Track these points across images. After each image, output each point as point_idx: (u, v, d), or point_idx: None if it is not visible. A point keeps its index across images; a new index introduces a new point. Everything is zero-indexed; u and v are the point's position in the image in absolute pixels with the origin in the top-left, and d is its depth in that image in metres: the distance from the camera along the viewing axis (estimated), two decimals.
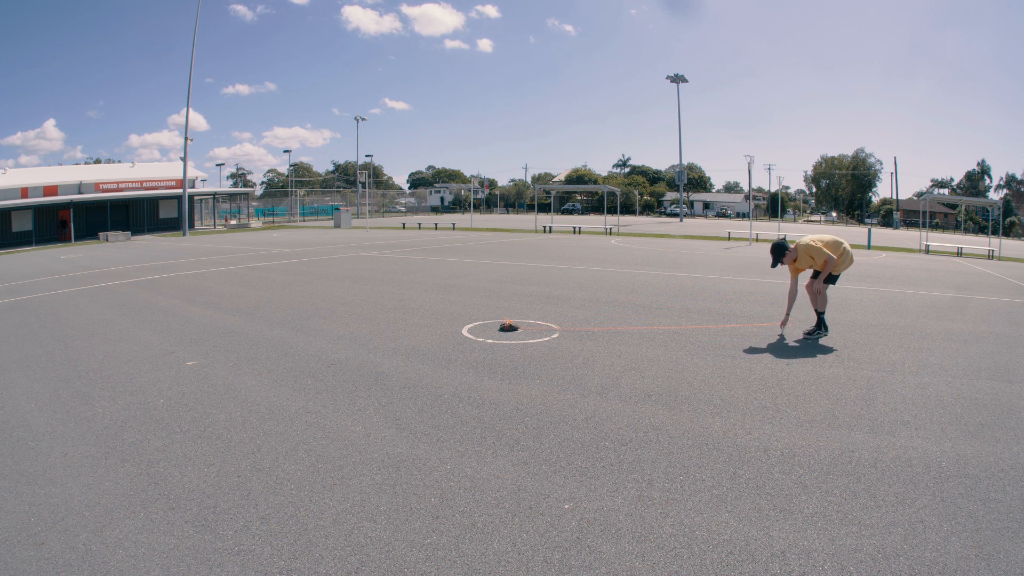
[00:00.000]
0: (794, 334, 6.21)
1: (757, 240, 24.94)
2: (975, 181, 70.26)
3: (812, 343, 5.89)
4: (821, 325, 6.01)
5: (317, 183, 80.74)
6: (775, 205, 58.55)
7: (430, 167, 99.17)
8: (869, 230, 26.17)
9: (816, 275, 5.96)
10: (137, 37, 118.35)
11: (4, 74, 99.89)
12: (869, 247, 22.11)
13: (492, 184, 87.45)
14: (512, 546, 2.43)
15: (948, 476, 3.02)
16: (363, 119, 69.39)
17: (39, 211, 32.59)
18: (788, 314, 6.14)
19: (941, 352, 5.64)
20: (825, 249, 5.84)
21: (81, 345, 6.17)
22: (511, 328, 6.38)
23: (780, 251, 5.98)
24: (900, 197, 67.82)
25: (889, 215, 64.43)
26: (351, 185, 72.82)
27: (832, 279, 6.01)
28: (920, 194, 67.21)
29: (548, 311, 7.55)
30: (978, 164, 70.85)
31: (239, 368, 5.14)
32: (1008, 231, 52.59)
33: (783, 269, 6.33)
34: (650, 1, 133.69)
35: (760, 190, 70.66)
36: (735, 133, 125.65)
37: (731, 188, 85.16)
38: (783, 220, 49.75)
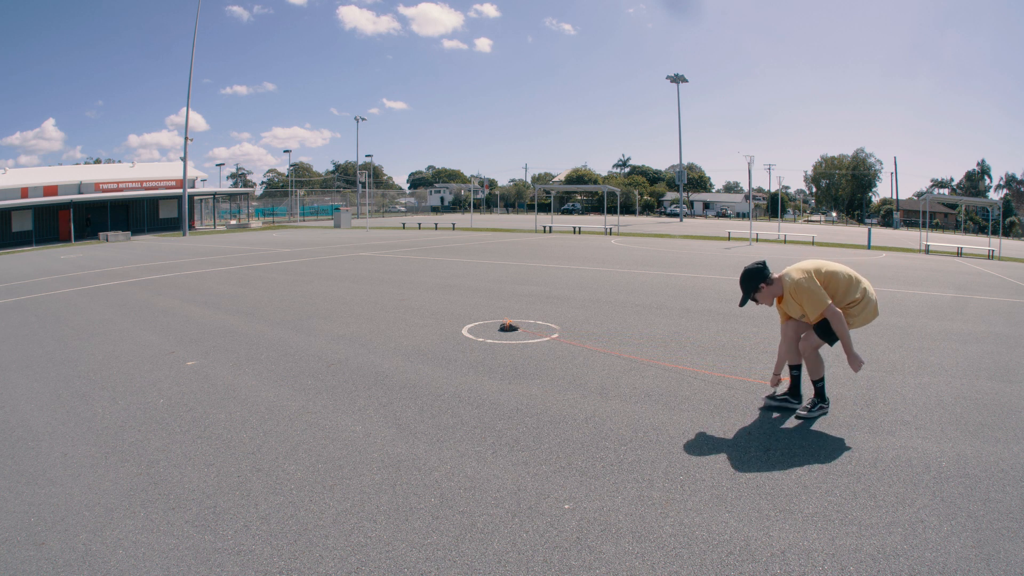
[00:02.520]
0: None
1: (757, 240, 24.95)
2: (975, 181, 70.28)
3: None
4: (821, 395, 3.87)
5: (317, 183, 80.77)
6: (775, 205, 58.54)
7: (430, 167, 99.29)
8: (869, 230, 26.18)
9: (818, 329, 3.68)
10: (136, 37, 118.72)
11: (4, 74, 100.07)
12: (869, 247, 22.11)
13: (492, 184, 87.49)
14: (512, 546, 2.43)
15: (948, 476, 3.02)
16: (363, 119, 69.53)
17: (39, 211, 32.57)
18: (778, 372, 4.00)
19: (941, 352, 5.64)
20: (819, 294, 3.55)
21: (81, 345, 6.17)
22: (511, 328, 6.38)
23: (751, 282, 3.76)
24: (900, 197, 67.93)
25: (889, 215, 64.44)
26: (351, 185, 72.84)
27: (830, 336, 3.64)
28: (920, 194, 67.26)
29: (548, 311, 7.55)
30: (978, 164, 70.94)
31: (239, 368, 5.14)
32: (1008, 231, 52.58)
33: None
34: (648, 0, 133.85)
35: (760, 190, 70.71)
36: (735, 133, 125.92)
37: (731, 188, 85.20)
38: (783, 220, 49.76)
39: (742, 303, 3.90)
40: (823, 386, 3.87)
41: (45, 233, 32.32)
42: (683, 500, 2.79)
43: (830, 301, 3.58)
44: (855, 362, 3.60)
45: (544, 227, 31.19)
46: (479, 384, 4.57)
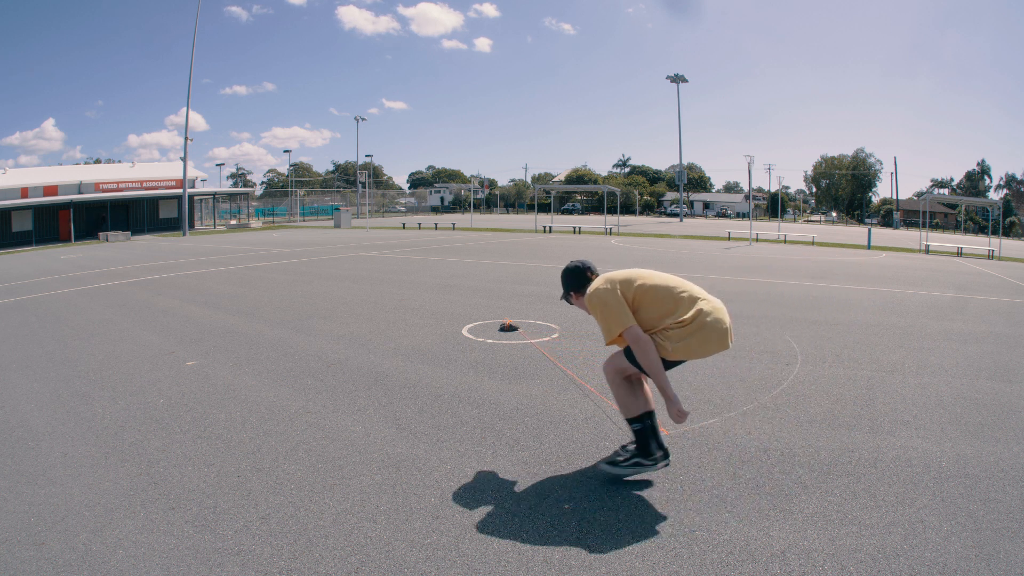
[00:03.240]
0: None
1: (757, 240, 24.95)
2: (975, 181, 70.31)
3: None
4: (644, 447, 2.93)
5: (317, 183, 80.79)
6: (775, 205, 58.53)
7: (430, 167, 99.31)
8: (869, 230, 26.17)
9: (628, 351, 2.87)
10: (136, 37, 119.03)
11: (4, 74, 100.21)
12: (869, 247, 22.11)
13: (492, 184, 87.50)
14: (512, 546, 2.43)
15: (948, 476, 3.02)
16: (362, 119, 69.55)
17: (39, 211, 32.57)
18: (676, 402, 2.81)
19: (941, 352, 5.64)
20: (614, 311, 2.80)
21: (81, 345, 6.17)
22: (511, 328, 6.38)
23: (565, 286, 3.15)
24: (900, 197, 67.93)
25: (889, 215, 64.44)
26: (351, 185, 72.84)
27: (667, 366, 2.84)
28: (920, 194, 67.30)
29: (548, 311, 7.55)
30: (978, 164, 70.98)
31: (239, 368, 5.14)
32: (1008, 231, 52.59)
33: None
34: (648, 0, 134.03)
35: (760, 190, 70.69)
36: (735, 133, 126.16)
37: (731, 188, 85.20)
38: (783, 220, 49.75)
39: (563, 297, 3.21)
40: (640, 429, 2.91)
41: (45, 233, 32.32)
42: (683, 500, 2.79)
43: (632, 324, 2.77)
44: (674, 408, 2.70)
45: (544, 227, 31.19)
46: (479, 384, 4.57)
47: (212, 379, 4.83)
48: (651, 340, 2.77)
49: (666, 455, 2.97)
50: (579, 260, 3.17)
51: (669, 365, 2.83)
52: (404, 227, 35.52)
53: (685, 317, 2.79)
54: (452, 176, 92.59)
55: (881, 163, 73.93)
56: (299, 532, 2.54)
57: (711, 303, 2.88)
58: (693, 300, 2.85)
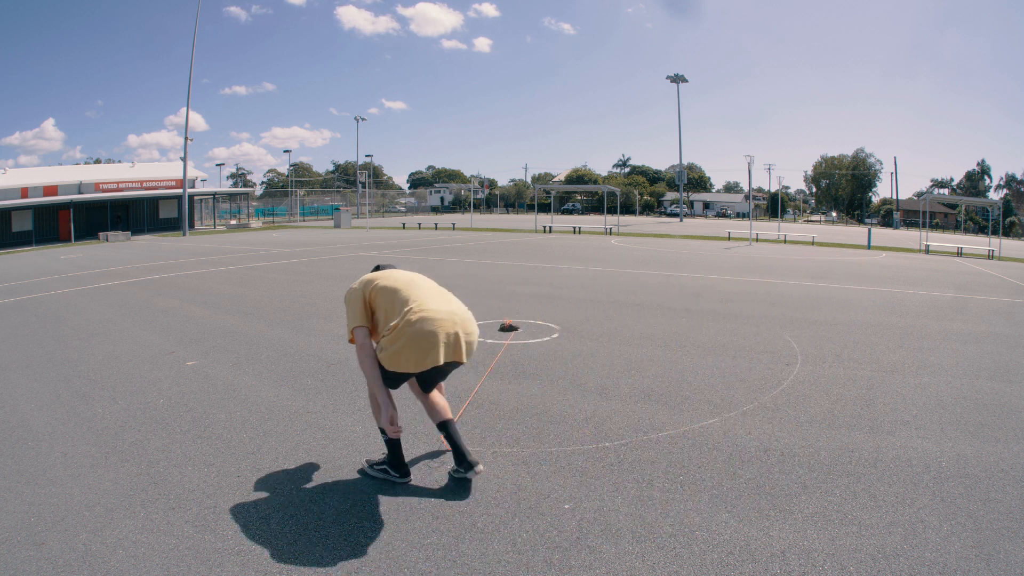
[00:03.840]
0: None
1: (757, 240, 24.96)
2: (975, 181, 70.31)
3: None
4: (389, 454, 3.00)
5: (317, 183, 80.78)
6: (775, 205, 58.53)
7: (430, 167, 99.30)
8: (869, 230, 26.18)
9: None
10: (136, 37, 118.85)
11: (4, 74, 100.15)
12: (869, 247, 22.12)
13: (492, 184, 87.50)
14: (512, 546, 2.43)
15: (948, 476, 3.02)
16: (362, 119, 69.53)
17: (39, 211, 32.57)
18: (385, 410, 2.75)
19: (941, 352, 5.64)
20: (350, 311, 2.88)
21: (81, 345, 6.17)
22: (511, 328, 6.38)
23: None
24: (900, 197, 67.89)
25: (889, 215, 64.44)
26: (351, 185, 72.84)
27: (390, 377, 2.81)
28: (920, 194, 67.31)
29: (548, 311, 7.55)
30: (978, 164, 70.97)
31: (239, 368, 5.14)
32: (1008, 231, 52.59)
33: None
34: (648, 0, 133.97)
35: (760, 190, 70.65)
36: (735, 133, 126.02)
37: (731, 188, 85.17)
38: (783, 220, 49.74)
39: None
40: (386, 440, 2.94)
41: (45, 233, 32.31)
42: (683, 500, 2.79)
43: (360, 324, 2.81)
44: (376, 413, 2.81)
45: (544, 227, 31.19)
46: (479, 384, 4.57)
47: (212, 379, 4.83)
48: (371, 346, 2.82)
49: (407, 473, 3.00)
50: (383, 262, 3.21)
51: (403, 377, 2.82)
52: (404, 227, 35.52)
53: (394, 323, 2.74)
54: (452, 176, 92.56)
55: (881, 163, 73.97)
56: (299, 532, 2.54)
57: (430, 311, 2.74)
58: (409, 304, 2.76)
